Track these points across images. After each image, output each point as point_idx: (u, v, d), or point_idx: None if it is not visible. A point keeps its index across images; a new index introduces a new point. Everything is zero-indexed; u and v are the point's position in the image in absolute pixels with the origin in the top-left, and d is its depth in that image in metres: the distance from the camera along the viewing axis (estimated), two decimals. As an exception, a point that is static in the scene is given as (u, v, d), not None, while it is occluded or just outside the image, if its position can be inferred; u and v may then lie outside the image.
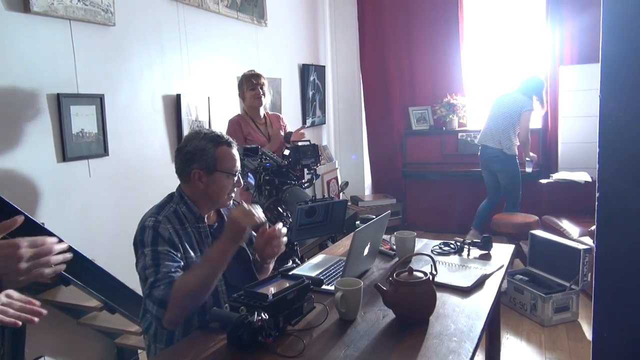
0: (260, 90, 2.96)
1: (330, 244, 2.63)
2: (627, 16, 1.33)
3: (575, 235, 3.43)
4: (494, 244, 2.00)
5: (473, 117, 5.00)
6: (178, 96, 2.96)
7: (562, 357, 2.58)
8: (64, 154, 2.28)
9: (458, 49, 4.79)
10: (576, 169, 4.10)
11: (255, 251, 1.78)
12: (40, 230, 1.82)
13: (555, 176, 4.08)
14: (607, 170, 1.41)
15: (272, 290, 1.34)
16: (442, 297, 1.51)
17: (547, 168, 4.40)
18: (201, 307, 1.44)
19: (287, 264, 2.42)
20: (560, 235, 3.31)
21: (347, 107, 5.30)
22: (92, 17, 2.36)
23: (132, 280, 2.09)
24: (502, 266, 1.81)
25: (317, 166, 2.35)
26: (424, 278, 1.38)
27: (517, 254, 3.61)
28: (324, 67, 4.93)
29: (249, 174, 2.17)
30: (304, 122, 4.49)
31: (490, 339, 2.13)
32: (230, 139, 1.59)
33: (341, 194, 4.53)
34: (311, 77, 4.63)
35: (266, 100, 3.06)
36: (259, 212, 1.46)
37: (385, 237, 2.02)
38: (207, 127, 3.21)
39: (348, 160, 5.30)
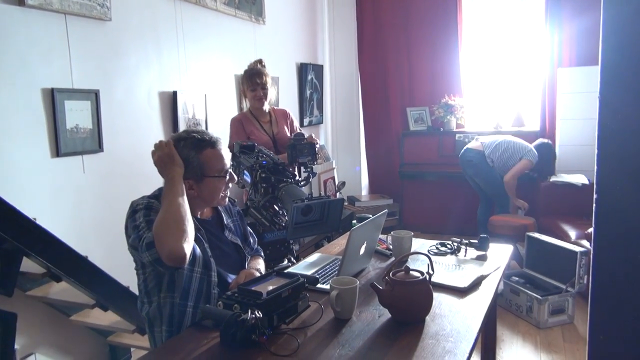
0: (262, 91, 2.83)
1: (325, 243, 2.61)
2: (628, 18, 1.32)
3: (572, 237, 3.42)
4: (492, 245, 1.99)
5: (471, 118, 4.99)
6: (174, 93, 2.94)
7: (557, 359, 2.57)
8: (58, 149, 2.25)
9: (457, 50, 4.78)
10: (574, 171, 4.10)
11: (251, 252, 1.76)
12: (32, 226, 1.80)
13: (553, 178, 4.07)
14: (605, 173, 1.40)
15: (266, 288, 1.32)
16: (438, 297, 1.49)
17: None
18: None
19: (283, 262, 2.40)
20: (557, 238, 3.30)
21: (344, 106, 5.29)
22: (87, 11, 2.34)
23: (125, 277, 2.07)
24: (499, 267, 1.79)
25: (314, 164, 2.32)
26: (421, 278, 1.37)
27: (513, 255, 3.60)
28: (322, 66, 4.92)
29: (245, 171, 2.15)
30: (301, 122, 4.47)
31: (486, 341, 2.12)
32: (215, 138, 1.54)
33: (338, 193, 4.51)
34: (309, 76, 4.62)
35: (271, 96, 2.92)
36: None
37: (381, 236, 2.01)
38: (203, 125, 3.18)
39: (345, 160, 5.28)
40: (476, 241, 1.98)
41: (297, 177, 2.07)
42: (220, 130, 3.25)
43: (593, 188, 1.39)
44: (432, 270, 1.44)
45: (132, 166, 2.67)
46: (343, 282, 1.40)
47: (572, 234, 3.48)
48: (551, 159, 4.05)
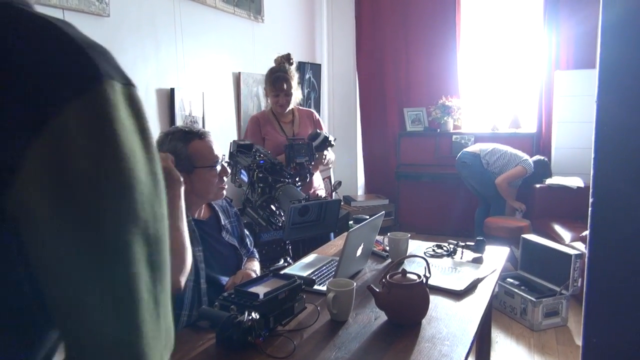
0: (285, 98, 2.66)
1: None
2: (626, 22, 1.32)
3: (566, 240, 3.44)
4: (488, 247, 1.99)
5: (468, 119, 5.00)
6: (172, 90, 2.92)
7: (551, 361, 2.59)
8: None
9: (454, 51, 4.78)
10: (569, 174, 4.11)
11: (248, 253, 1.76)
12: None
13: (548, 181, 4.09)
14: (602, 176, 1.40)
15: (263, 289, 1.32)
16: (434, 300, 1.49)
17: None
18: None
19: (279, 262, 2.39)
20: (552, 240, 3.31)
21: (342, 106, 5.28)
22: (85, 7, 2.32)
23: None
24: (495, 270, 1.80)
25: (311, 164, 2.32)
26: (418, 280, 1.37)
27: (508, 257, 3.61)
28: (319, 65, 4.91)
29: (242, 170, 2.14)
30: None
31: (480, 343, 2.13)
32: (202, 130, 1.54)
33: (334, 193, 4.51)
34: (307, 75, 4.61)
35: (296, 100, 2.73)
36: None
37: (378, 238, 2.01)
38: (200, 123, 3.17)
39: (341, 159, 5.28)
40: (472, 244, 1.99)
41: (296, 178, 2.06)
42: (218, 129, 3.24)
43: (589, 191, 1.40)
44: (429, 273, 1.44)
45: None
46: (340, 284, 1.40)
47: (567, 236, 3.50)
48: (544, 176, 4.06)
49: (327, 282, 1.44)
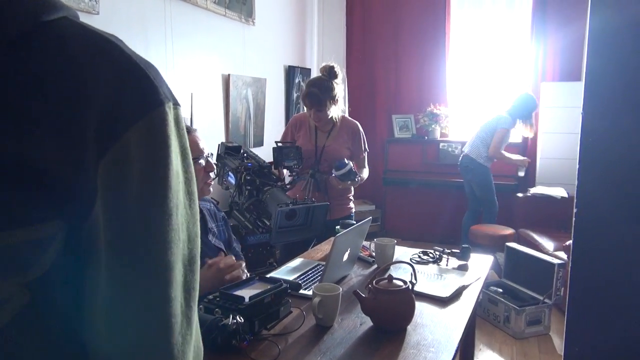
0: (316, 115, 2.45)
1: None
2: (612, 35, 1.35)
3: (550, 249, 3.48)
4: (473, 255, 2.01)
5: (455, 128, 5.04)
6: (160, 90, 2.90)
7: (532, 369, 2.61)
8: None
9: (444, 60, 4.83)
10: (553, 184, 4.17)
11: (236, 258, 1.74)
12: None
13: (533, 190, 4.14)
14: (586, 187, 1.42)
15: (248, 292, 1.31)
16: (419, 306, 1.49)
17: (525, 182, 4.47)
18: None
19: (265, 265, 2.38)
20: (535, 249, 3.35)
21: (331, 111, 5.28)
22: (75, 4, 2.29)
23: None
24: (479, 277, 1.81)
25: (299, 168, 2.31)
26: (404, 287, 1.37)
27: (492, 265, 3.65)
28: (309, 69, 4.91)
29: (230, 172, 2.13)
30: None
31: (464, 350, 2.13)
32: (190, 127, 1.53)
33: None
34: (296, 79, 4.61)
35: (332, 113, 2.46)
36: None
37: (364, 243, 2.01)
38: (188, 124, 3.15)
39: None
40: (458, 251, 2.00)
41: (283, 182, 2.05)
42: (206, 130, 3.22)
43: (572, 201, 1.42)
44: (415, 279, 1.44)
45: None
46: (326, 289, 1.39)
47: (550, 245, 3.54)
48: (531, 109, 4.02)
49: (313, 287, 1.43)
